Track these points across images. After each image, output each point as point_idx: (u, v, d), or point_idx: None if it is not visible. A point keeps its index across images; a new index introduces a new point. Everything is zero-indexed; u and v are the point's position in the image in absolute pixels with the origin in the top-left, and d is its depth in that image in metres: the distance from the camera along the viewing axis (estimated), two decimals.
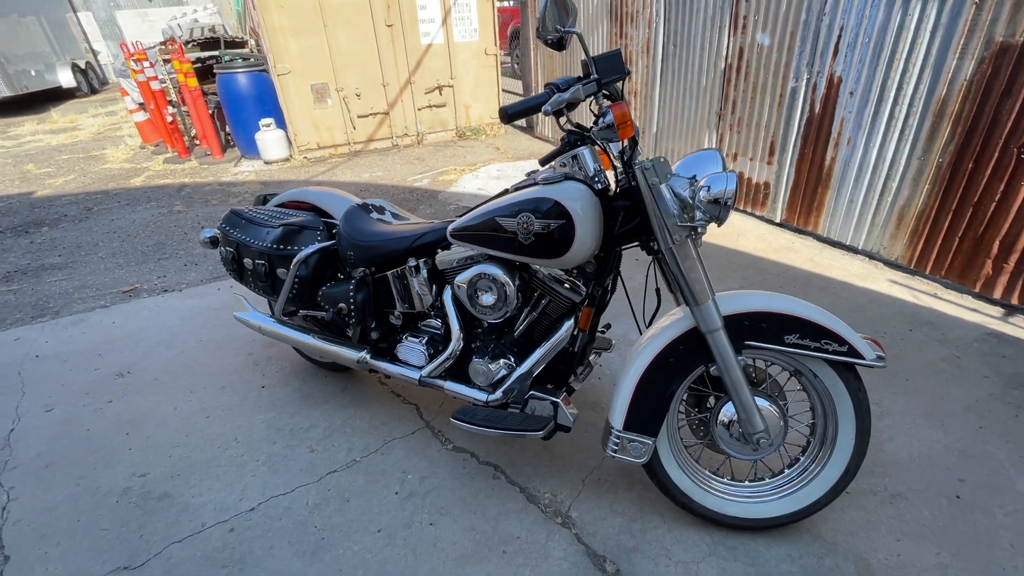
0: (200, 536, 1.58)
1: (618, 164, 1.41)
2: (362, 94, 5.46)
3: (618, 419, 1.43)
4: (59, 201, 4.72)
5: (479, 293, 1.55)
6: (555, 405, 1.54)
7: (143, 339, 2.57)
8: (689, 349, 1.38)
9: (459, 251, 1.60)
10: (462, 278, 1.56)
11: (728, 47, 3.41)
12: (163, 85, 5.62)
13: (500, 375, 1.60)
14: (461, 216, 1.55)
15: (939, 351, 2.21)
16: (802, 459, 1.50)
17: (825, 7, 2.80)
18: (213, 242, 2.02)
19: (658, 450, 1.48)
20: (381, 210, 1.92)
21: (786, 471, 1.51)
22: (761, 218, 3.57)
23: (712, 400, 1.50)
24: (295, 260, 1.78)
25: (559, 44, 1.15)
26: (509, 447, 1.83)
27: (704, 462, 1.60)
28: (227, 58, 5.73)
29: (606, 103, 1.23)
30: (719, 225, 1.27)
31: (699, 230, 1.26)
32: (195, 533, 1.59)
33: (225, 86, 5.33)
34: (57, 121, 8.41)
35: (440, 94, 5.83)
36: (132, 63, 5.61)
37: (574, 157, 1.44)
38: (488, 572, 1.44)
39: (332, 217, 1.96)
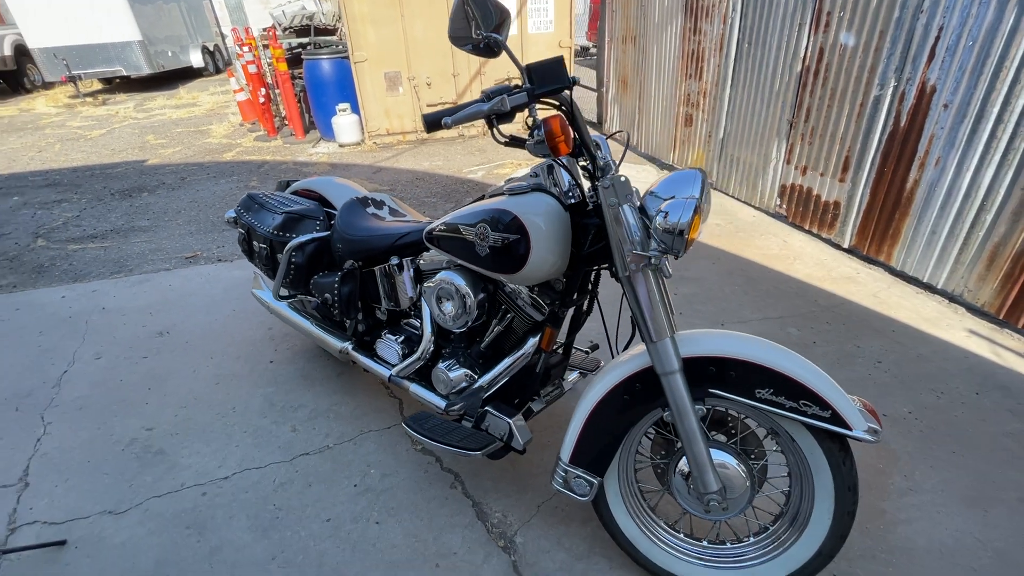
0: (177, 495, 1.71)
1: (585, 181, 1.30)
2: (432, 83, 5.58)
3: (566, 452, 1.34)
4: (163, 170, 5.31)
5: (441, 300, 1.51)
6: (508, 424, 1.47)
7: (188, 303, 2.83)
8: (646, 388, 1.26)
9: (440, 254, 1.58)
10: (428, 283, 1.54)
11: (807, 47, 3.04)
12: (259, 69, 6.10)
13: (461, 385, 1.57)
14: (438, 220, 1.52)
15: (1008, 424, 1.84)
16: (771, 529, 1.32)
17: (923, 4, 2.40)
18: (235, 222, 2.16)
19: (606, 491, 1.37)
20: (380, 205, 1.94)
21: (751, 538, 1.34)
22: (827, 241, 3.18)
23: (678, 445, 1.36)
24: (287, 247, 1.85)
25: (487, 51, 1.06)
26: (477, 458, 1.79)
27: (664, 512, 1.46)
28: (315, 45, 6.10)
29: (540, 116, 1.12)
30: (675, 258, 1.13)
31: (652, 260, 1.13)
32: (174, 491, 1.72)
33: (310, 71, 5.69)
34: (182, 98, 9.47)
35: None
36: (237, 48, 6.14)
37: (551, 167, 1.36)
38: None
39: (336, 208, 2.02)
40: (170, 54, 10.75)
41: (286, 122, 6.63)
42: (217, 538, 1.56)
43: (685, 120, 4.32)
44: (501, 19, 1.03)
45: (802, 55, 3.08)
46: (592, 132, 1.24)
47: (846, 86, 2.84)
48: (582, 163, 1.24)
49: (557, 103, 1.12)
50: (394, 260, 1.72)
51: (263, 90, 6.08)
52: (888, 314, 2.49)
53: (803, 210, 3.30)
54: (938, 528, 1.51)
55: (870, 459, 1.73)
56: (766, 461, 1.31)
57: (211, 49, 12.55)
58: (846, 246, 3.06)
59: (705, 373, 1.20)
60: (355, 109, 5.65)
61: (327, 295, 1.85)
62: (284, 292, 1.99)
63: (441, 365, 1.59)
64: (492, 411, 1.51)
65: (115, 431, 1.98)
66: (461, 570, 1.45)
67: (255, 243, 2.02)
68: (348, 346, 1.89)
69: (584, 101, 7.30)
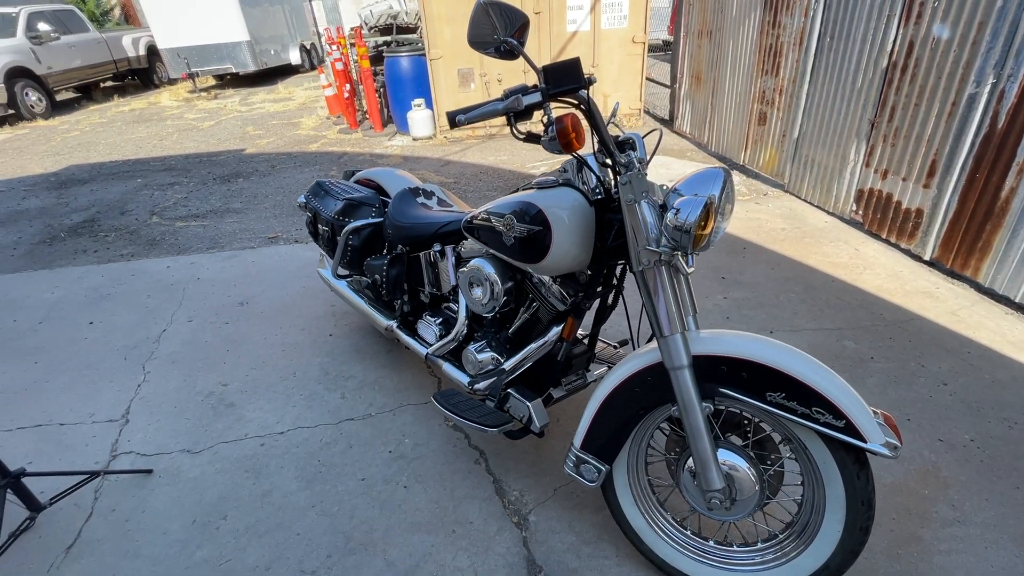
0: (240, 443, 1.95)
1: (610, 175, 1.34)
2: (503, 79, 5.70)
3: (578, 437, 1.40)
4: (258, 158, 5.87)
5: (472, 286, 1.61)
6: (527, 408, 1.55)
7: (266, 279, 3.16)
8: (657, 383, 1.28)
9: (476, 243, 1.68)
10: (463, 269, 1.64)
11: (895, 41, 2.81)
12: (345, 66, 6.54)
13: (487, 367, 1.66)
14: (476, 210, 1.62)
15: None
16: (779, 537, 1.30)
17: None
18: (304, 206, 2.39)
19: (614, 480, 1.41)
20: (429, 195, 2.07)
21: (759, 544, 1.32)
22: (906, 252, 2.94)
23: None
24: (344, 230, 2.03)
25: (507, 54, 1.13)
26: (501, 438, 1.89)
27: (674, 508, 1.47)
28: (396, 43, 6.42)
29: (554, 115, 1.17)
30: (685, 255, 1.15)
31: (662, 257, 1.15)
32: (238, 440, 1.97)
33: (390, 68, 6.02)
34: (280, 92, 10.31)
35: None
36: (326, 46, 6.62)
37: (580, 163, 1.41)
38: (432, 544, 1.54)
39: (391, 197, 2.18)
40: (272, 52, 11.72)
41: (367, 116, 7.05)
42: (269, 483, 1.77)
43: (759, 118, 4.13)
44: (521, 24, 1.10)
45: (889, 49, 2.85)
46: (628, 130, 1.27)
47: (937, 83, 2.60)
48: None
49: (575, 102, 1.17)
50: (437, 247, 1.84)
51: (347, 86, 6.51)
52: (966, 334, 2.27)
53: (881, 217, 3.07)
54: (981, 563, 1.40)
55: (914, 483, 1.63)
56: (782, 468, 1.29)
57: (308, 47, 13.52)
58: (927, 258, 2.81)
59: (716, 372, 1.21)
60: (429, 104, 5.90)
61: (377, 276, 2.01)
62: (341, 271, 2.18)
63: (471, 347, 1.69)
64: (514, 393, 1.59)
65: (197, 383, 2.29)
66: (474, 538, 1.55)
67: (320, 226, 2.23)
68: (393, 324, 2.05)
69: (659, 97, 7.13)
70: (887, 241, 3.06)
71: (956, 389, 1.98)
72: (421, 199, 2.03)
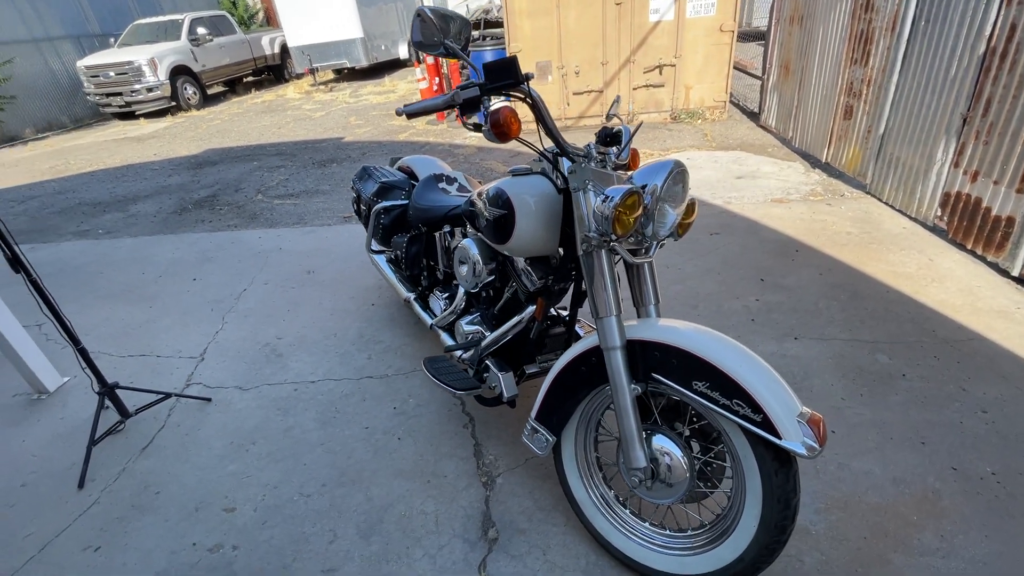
0: (279, 386, 2.30)
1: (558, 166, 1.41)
2: (581, 72, 5.72)
3: (535, 409, 1.51)
4: (352, 146, 6.48)
5: (460, 263, 1.77)
6: (499, 378, 1.68)
7: (334, 252, 3.57)
8: (599, 363, 1.35)
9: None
10: (455, 246, 1.80)
11: (995, 22, 2.47)
12: (435, 60, 6.94)
13: (473, 339, 1.82)
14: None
15: None
16: (707, 525, 1.31)
17: None
18: (352, 188, 2.70)
19: (563, 451, 1.50)
20: (452, 181, 2.25)
21: (689, 531, 1.34)
22: (992, 265, 2.59)
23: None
24: (373, 209, 2.29)
25: (450, 54, 1.24)
26: (490, 408, 2.04)
27: (619, 487, 1.52)
28: (483, 37, 6.68)
29: (493, 107, 1.27)
30: (608, 244, 1.21)
31: (596, 242, 1.22)
32: (278, 384, 2.32)
33: (475, 59, 6.29)
34: (385, 86, 11.14)
35: (660, 73, 5.64)
36: None
37: (557, 155, 1.50)
38: (408, 488, 1.74)
39: None
40: (383, 48, 12.65)
41: None
42: (293, 421, 2.09)
43: (844, 112, 3.78)
44: (459, 27, 1.21)
45: (988, 33, 2.50)
46: (617, 123, 1.35)
47: None
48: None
49: (521, 96, 1.27)
50: (446, 228, 2.02)
51: (436, 79, 6.91)
52: None
53: (967, 225, 2.71)
54: None
55: (904, 507, 1.52)
56: (719, 460, 1.30)
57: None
58: (1015, 274, 2.45)
59: (650, 357, 1.26)
60: (507, 97, 6.09)
61: (399, 252, 2.24)
62: (375, 246, 2.45)
63: (463, 320, 1.86)
64: (491, 365, 1.73)
65: (259, 335, 2.70)
66: (445, 490, 1.73)
67: (361, 205, 2.51)
68: (411, 296, 2.27)
69: (753, 89, 6.68)
70: (971, 252, 2.70)
71: (997, 418, 1.77)
72: (443, 184, 2.22)
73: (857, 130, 3.63)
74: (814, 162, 4.26)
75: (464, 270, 1.75)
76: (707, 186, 4.00)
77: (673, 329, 1.25)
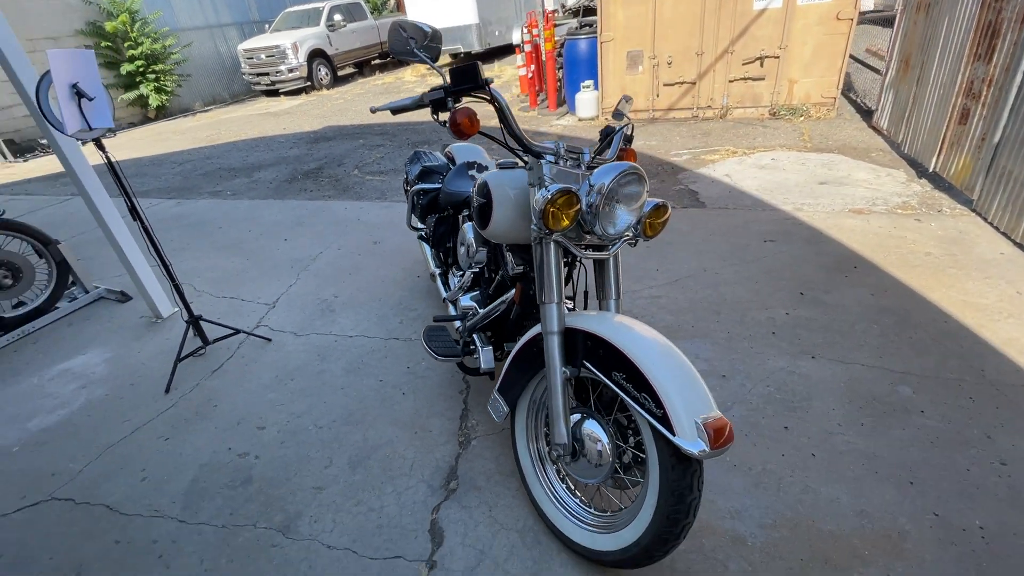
0: (324, 336, 2.69)
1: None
2: (673, 62, 5.52)
3: (498, 380, 1.68)
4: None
5: (460, 243, 1.96)
6: (479, 351, 1.86)
7: (399, 227, 3.94)
8: None
9: None
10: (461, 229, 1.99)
11: None
12: (534, 48, 7.08)
13: (465, 314, 2.01)
14: None
15: None
16: (621, 509, 1.39)
17: None
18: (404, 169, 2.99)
19: (515, 422, 1.65)
20: (482, 169, 2.43)
21: (608, 511, 1.43)
22: None
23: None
24: (412, 189, 2.54)
25: (424, 60, 1.39)
26: (485, 380, 2.22)
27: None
28: (579, 25, 6.68)
29: (453, 107, 1.40)
30: (548, 237, 1.31)
31: (536, 234, 1.34)
32: (324, 334, 2.71)
33: (569, 50, 6.34)
34: (494, 71, 11.51)
35: (761, 66, 5.26)
36: (524, 29, 7.24)
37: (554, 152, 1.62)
38: (398, 436, 2.00)
39: None
40: (496, 33, 13.00)
41: (545, 96, 7.53)
42: (326, 366, 2.45)
43: (960, 115, 3.30)
44: (429, 37, 1.36)
45: None
46: (616, 123, 1.47)
47: None
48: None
49: (487, 97, 1.40)
50: (465, 212, 2.22)
51: (532, 67, 7.06)
52: None
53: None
54: None
55: (859, 540, 1.45)
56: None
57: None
58: None
59: (583, 345, 1.36)
60: (598, 86, 6.08)
61: (429, 231, 2.49)
62: (415, 223, 2.73)
63: (464, 296, 2.05)
64: (476, 338, 1.91)
65: (321, 292, 3.13)
66: (425, 442, 1.96)
67: (407, 185, 2.79)
68: (437, 271, 2.51)
69: (876, 84, 5.94)
70: None
71: (1015, 473, 1.58)
72: (472, 172, 2.40)
73: (971, 137, 3.17)
74: (921, 171, 3.77)
75: (462, 250, 1.94)
76: (781, 190, 3.74)
77: (606, 322, 1.33)
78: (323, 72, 11.66)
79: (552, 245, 1.38)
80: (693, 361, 1.68)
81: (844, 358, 2.11)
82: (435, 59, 1.50)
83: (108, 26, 9.67)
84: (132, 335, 2.91)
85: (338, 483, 1.83)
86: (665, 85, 5.68)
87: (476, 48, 12.34)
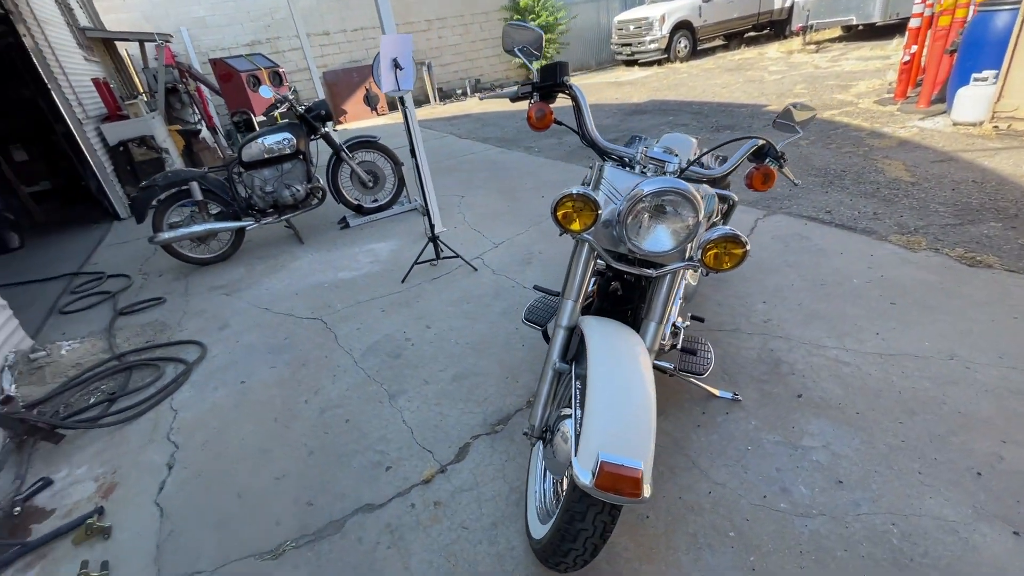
0: (510, 280, 3.19)
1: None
2: None
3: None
4: (767, 115, 6.16)
5: None
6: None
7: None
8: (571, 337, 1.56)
9: None
10: None
11: None
12: (927, 23, 5.43)
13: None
14: None
15: None
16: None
17: None
18: None
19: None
20: None
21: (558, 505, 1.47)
22: None
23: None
24: None
25: (520, 56, 1.45)
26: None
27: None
28: None
29: (531, 102, 1.45)
30: (562, 233, 1.36)
31: (561, 230, 1.40)
32: (511, 279, 3.21)
33: (975, 26, 4.67)
34: (883, 50, 9.19)
35: None
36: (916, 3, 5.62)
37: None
38: (494, 373, 2.37)
39: None
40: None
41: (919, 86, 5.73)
42: (492, 303, 2.97)
43: None
44: (532, 39, 1.44)
45: None
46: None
47: None
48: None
49: (566, 92, 1.45)
50: None
51: (913, 47, 5.47)
52: None
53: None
54: None
55: None
56: None
57: None
58: None
59: (579, 348, 1.41)
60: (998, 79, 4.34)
61: None
62: None
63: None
64: None
65: (532, 246, 3.62)
66: (508, 388, 2.26)
67: None
68: None
69: None
70: None
71: None
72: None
73: None
74: None
75: None
76: None
77: (603, 337, 1.35)
78: (682, 44, 11.68)
79: (585, 247, 1.42)
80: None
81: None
82: (537, 58, 1.63)
83: (521, 2, 12.08)
84: (414, 238, 4.07)
85: (439, 384, 2.35)
86: None
87: (874, 19, 10.10)
